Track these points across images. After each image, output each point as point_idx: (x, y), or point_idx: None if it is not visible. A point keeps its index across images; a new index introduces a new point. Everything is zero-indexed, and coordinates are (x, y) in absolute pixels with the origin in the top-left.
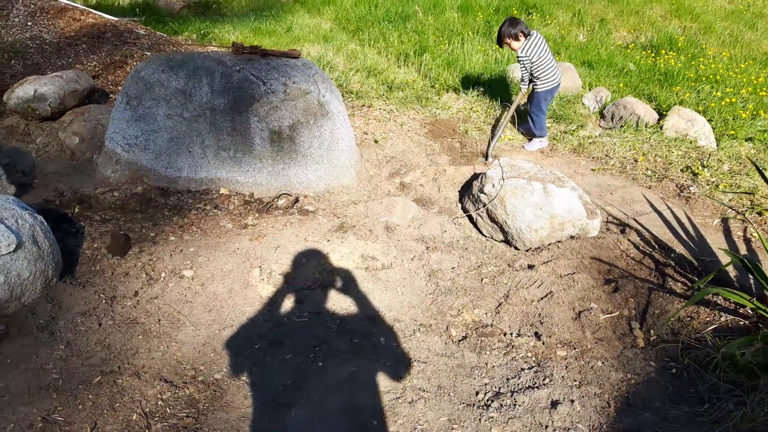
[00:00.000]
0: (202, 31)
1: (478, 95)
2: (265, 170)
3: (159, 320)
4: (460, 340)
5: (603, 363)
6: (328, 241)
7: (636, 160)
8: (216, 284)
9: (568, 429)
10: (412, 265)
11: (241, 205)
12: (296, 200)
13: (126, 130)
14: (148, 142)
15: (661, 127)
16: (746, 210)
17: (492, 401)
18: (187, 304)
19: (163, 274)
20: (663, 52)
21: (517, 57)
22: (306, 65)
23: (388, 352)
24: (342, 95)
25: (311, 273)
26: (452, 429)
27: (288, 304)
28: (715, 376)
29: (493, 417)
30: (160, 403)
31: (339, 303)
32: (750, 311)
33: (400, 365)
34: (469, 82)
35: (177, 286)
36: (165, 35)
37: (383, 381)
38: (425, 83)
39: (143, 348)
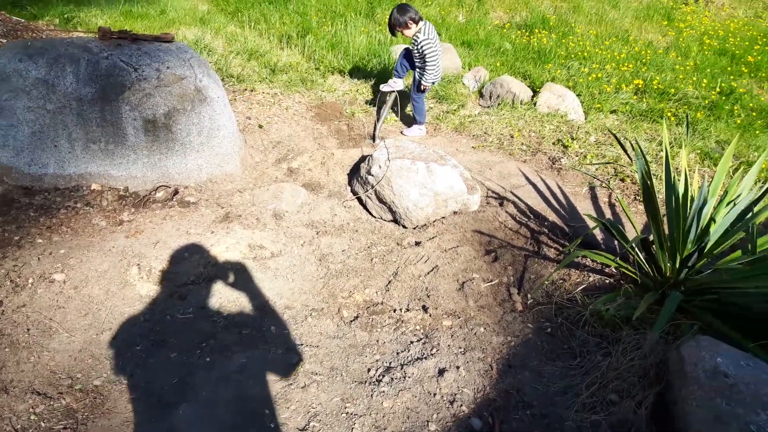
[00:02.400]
0: (65, 16)
1: (364, 77)
2: (140, 162)
3: (28, 329)
4: (351, 321)
5: (485, 329)
6: (213, 232)
7: (512, 136)
8: (91, 286)
9: (455, 394)
10: (303, 251)
11: (116, 200)
12: (176, 192)
13: None
14: (7, 138)
15: (535, 104)
16: (610, 178)
17: (383, 376)
18: (60, 310)
19: (30, 280)
20: (536, 31)
21: (419, 42)
22: (180, 49)
23: (278, 340)
24: (222, 79)
25: (195, 267)
26: (345, 408)
27: (171, 301)
28: (585, 332)
29: (384, 391)
30: (33, 417)
31: (226, 296)
32: (614, 270)
33: (291, 352)
34: (354, 64)
35: (47, 292)
36: (23, 20)
37: (274, 370)
38: (309, 65)
39: (11, 361)
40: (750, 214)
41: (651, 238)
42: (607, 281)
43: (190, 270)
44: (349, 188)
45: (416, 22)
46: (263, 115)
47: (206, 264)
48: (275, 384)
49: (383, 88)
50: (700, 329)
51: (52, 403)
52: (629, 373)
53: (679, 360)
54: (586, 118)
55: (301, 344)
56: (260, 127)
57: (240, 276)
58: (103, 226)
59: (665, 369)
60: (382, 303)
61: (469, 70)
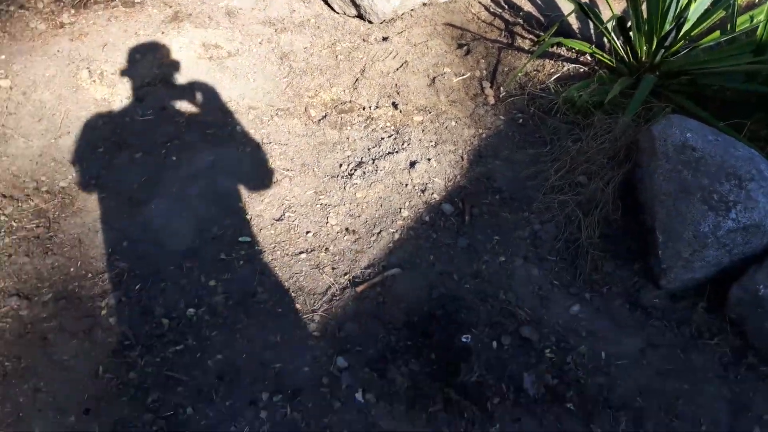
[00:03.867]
0: None
1: None
2: None
3: None
4: (320, 120)
5: (456, 122)
6: (163, 33)
7: None
8: (40, 92)
9: (426, 184)
10: (261, 49)
11: (52, 2)
12: None
13: None
14: None
15: None
16: None
17: (355, 170)
18: (12, 116)
19: None
20: None
21: None
22: None
23: (246, 138)
24: None
25: (149, 69)
26: (319, 200)
27: (128, 103)
28: (557, 120)
29: (356, 183)
30: (3, 218)
31: (185, 96)
32: (589, 58)
33: (259, 149)
34: None
35: None
36: None
37: (245, 166)
38: None
39: None
40: None
41: (629, 23)
42: (581, 70)
43: (145, 72)
44: None
45: None
46: None
47: (160, 65)
48: (247, 179)
49: None
50: (672, 111)
51: (20, 204)
52: (599, 156)
53: (649, 138)
54: None
55: (270, 142)
56: None
57: (197, 76)
58: (43, 29)
59: (635, 149)
60: (350, 101)
61: None
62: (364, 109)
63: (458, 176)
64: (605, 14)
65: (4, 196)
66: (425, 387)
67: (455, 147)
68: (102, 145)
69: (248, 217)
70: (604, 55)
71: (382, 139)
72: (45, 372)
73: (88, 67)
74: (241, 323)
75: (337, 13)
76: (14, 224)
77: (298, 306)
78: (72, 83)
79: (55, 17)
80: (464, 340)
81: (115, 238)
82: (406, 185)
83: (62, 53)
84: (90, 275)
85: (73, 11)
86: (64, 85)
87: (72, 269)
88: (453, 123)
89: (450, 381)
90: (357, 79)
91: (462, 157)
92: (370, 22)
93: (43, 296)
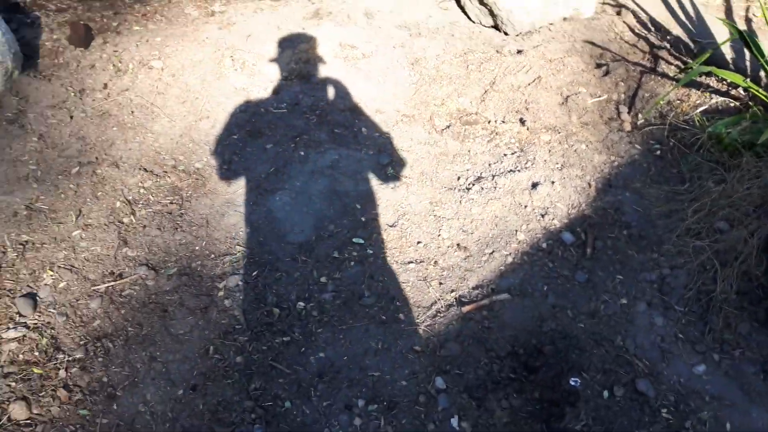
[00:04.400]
0: None
1: None
2: None
3: (132, 112)
4: (443, 129)
5: (587, 146)
6: (303, 29)
7: None
8: (187, 75)
9: (547, 208)
10: (395, 53)
11: None
12: None
13: None
14: None
15: None
16: None
17: (473, 185)
18: (160, 96)
19: (131, 66)
20: None
21: None
22: None
23: (370, 141)
24: None
25: (287, 63)
26: (434, 211)
27: (264, 94)
28: (699, 156)
29: (473, 199)
30: (142, 191)
31: (317, 94)
32: (742, 92)
33: (382, 154)
34: None
35: (147, 78)
36: None
37: (365, 168)
38: None
39: (119, 140)
40: None
41: None
42: (732, 104)
43: (283, 65)
44: None
45: None
46: None
47: (298, 60)
48: (366, 182)
49: None
50: None
51: (158, 180)
52: (744, 202)
53: None
54: None
55: (392, 147)
56: None
57: (332, 75)
58: (195, 16)
59: None
60: (476, 113)
61: None
62: (489, 122)
63: (583, 204)
64: (766, 45)
65: (146, 170)
66: (525, 426)
67: (583, 172)
68: (237, 132)
69: (363, 219)
70: (761, 90)
71: (505, 155)
72: (162, 343)
73: (231, 56)
74: (345, 324)
75: (473, 22)
76: (151, 198)
77: (401, 316)
78: (216, 70)
79: (207, 5)
80: (573, 383)
81: (240, 223)
82: (525, 207)
83: (210, 40)
84: (212, 256)
85: (224, 1)
86: (208, 70)
87: (197, 248)
88: (583, 146)
89: (552, 424)
90: (486, 91)
91: (589, 184)
92: (505, 33)
93: (169, 269)
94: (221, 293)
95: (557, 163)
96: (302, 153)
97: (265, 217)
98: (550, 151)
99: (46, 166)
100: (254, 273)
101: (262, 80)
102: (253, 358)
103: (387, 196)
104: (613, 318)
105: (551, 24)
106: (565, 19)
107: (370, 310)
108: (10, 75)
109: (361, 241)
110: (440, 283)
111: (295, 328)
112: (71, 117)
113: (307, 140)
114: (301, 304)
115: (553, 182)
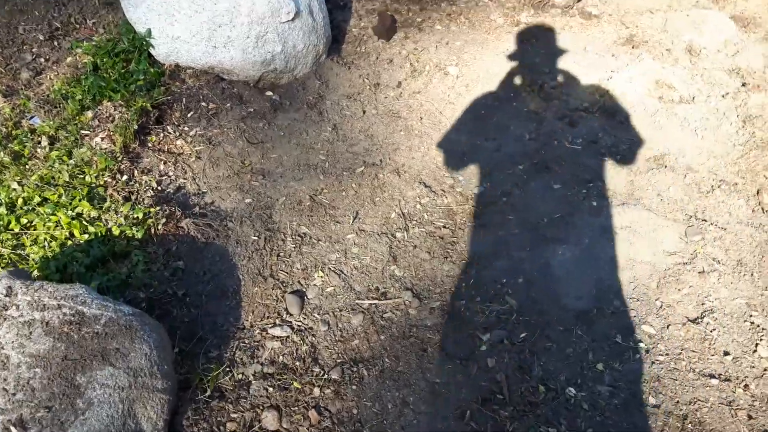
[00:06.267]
0: None
1: None
2: None
3: (421, 118)
4: None
5: None
6: (613, 55)
7: None
8: (480, 87)
9: None
10: (722, 104)
11: None
12: None
13: None
14: None
15: None
16: None
17: None
18: (450, 106)
19: (427, 68)
20: None
21: None
22: None
23: (676, 206)
24: None
25: (589, 93)
26: (751, 316)
27: (558, 124)
28: None
29: None
30: (418, 206)
31: (620, 134)
32: None
33: (690, 225)
34: None
35: (441, 84)
36: None
37: (668, 239)
38: None
39: (404, 146)
40: None
41: None
42: None
43: (584, 95)
44: None
45: None
46: None
47: (603, 92)
48: (666, 256)
49: None
50: None
51: (435, 198)
52: None
53: None
54: None
55: (705, 220)
56: None
57: (641, 116)
58: (500, 24)
59: None
60: None
61: None
62: None
63: None
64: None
65: (425, 185)
66: None
67: None
68: (522, 162)
69: (657, 302)
70: None
71: None
72: (416, 387)
73: (528, 76)
74: (619, 429)
75: None
76: (426, 216)
77: None
78: (509, 88)
79: (514, 14)
80: None
81: (512, 270)
82: None
83: (508, 51)
84: (478, 299)
85: (532, 12)
86: (502, 87)
87: (464, 284)
88: None
89: None
90: None
91: None
92: None
93: (432, 302)
94: (484, 347)
95: None
96: (594, 203)
97: (542, 269)
98: None
99: (334, 159)
100: (522, 335)
101: (559, 107)
102: None
103: (691, 281)
104: None
105: None
106: None
107: (653, 422)
108: (318, 58)
109: (652, 331)
110: (750, 417)
111: (561, 418)
112: (363, 111)
113: (601, 188)
114: (572, 390)
115: None
